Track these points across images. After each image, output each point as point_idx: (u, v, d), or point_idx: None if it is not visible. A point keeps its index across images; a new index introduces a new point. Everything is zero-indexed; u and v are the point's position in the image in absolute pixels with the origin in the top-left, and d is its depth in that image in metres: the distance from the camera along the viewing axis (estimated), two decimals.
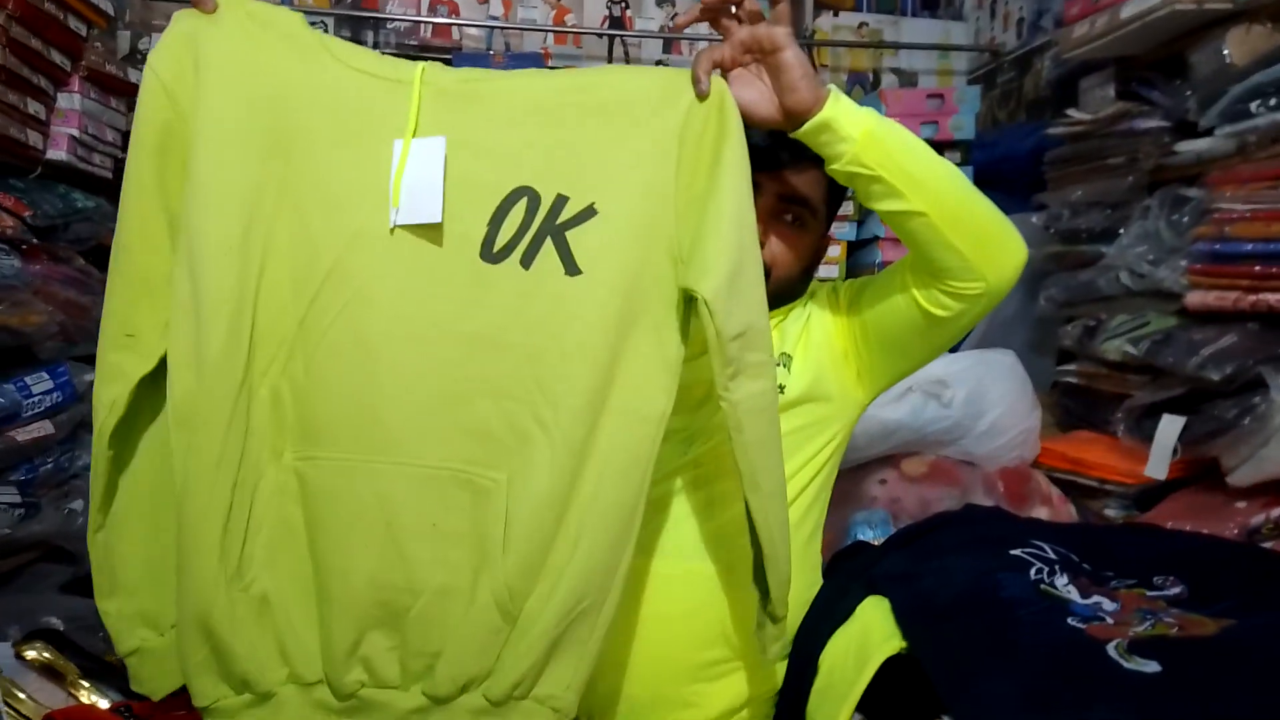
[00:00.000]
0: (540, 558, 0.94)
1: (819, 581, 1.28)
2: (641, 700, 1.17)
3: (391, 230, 0.93)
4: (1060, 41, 2.02)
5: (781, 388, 1.16)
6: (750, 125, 0.98)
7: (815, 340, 1.21)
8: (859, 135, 0.98)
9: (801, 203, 1.17)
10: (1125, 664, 0.91)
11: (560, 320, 0.95)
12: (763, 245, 1.12)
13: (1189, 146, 1.70)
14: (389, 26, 2.72)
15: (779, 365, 1.18)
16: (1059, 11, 2.19)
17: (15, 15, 1.77)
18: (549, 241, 0.95)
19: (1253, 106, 1.54)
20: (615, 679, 1.16)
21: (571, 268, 0.95)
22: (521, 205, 0.95)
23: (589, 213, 0.96)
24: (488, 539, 0.93)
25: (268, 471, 0.94)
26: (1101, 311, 1.89)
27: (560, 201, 0.95)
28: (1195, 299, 1.61)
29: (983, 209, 1.05)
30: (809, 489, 1.21)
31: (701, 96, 0.95)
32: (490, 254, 0.95)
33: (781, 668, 1.21)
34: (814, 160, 1.06)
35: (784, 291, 1.20)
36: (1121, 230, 1.84)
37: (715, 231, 0.95)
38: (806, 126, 0.99)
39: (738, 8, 1.00)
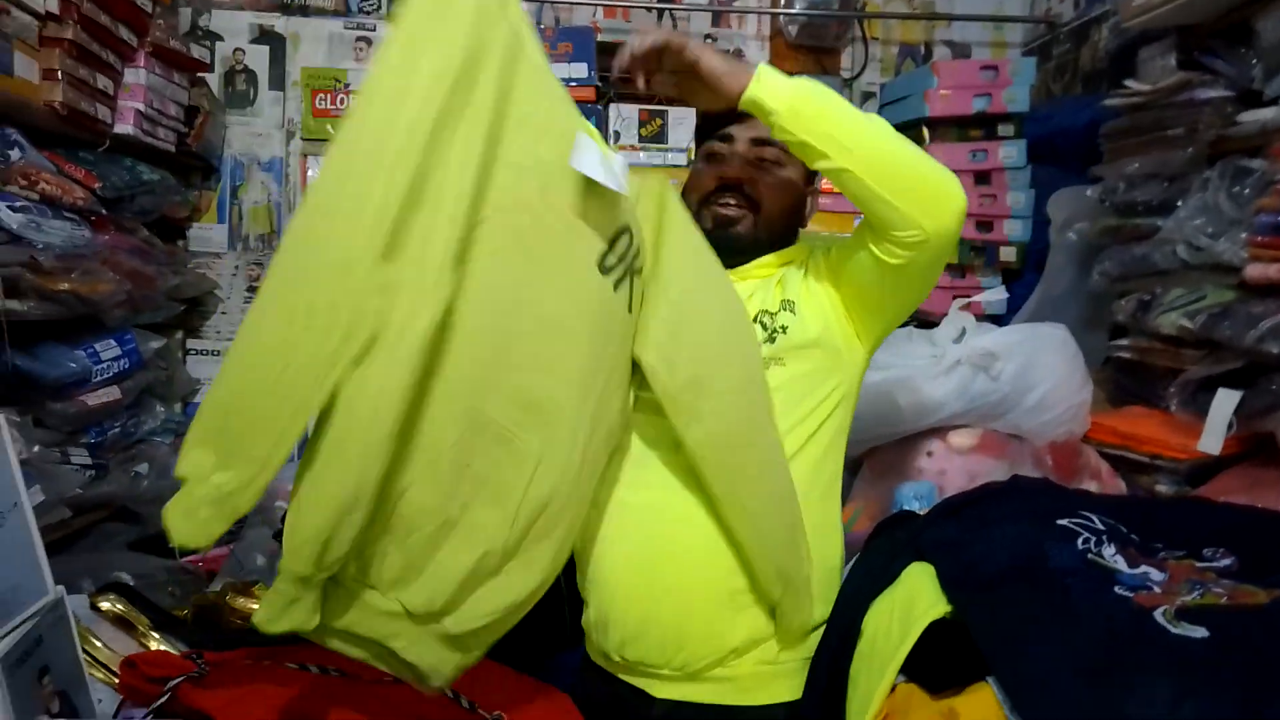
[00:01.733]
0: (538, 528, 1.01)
1: (838, 540, 1.32)
2: (670, 627, 1.21)
3: (551, 204, 0.99)
4: (1120, 10, 1.97)
5: (784, 329, 1.25)
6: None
7: (815, 292, 1.29)
8: (781, 109, 1.12)
9: (771, 142, 1.28)
10: (1173, 629, 0.91)
11: (617, 341, 1.07)
12: (745, 185, 1.29)
13: (1253, 116, 1.66)
14: None
15: (783, 310, 1.27)
16: None
17: None
18: (630, 278, 1.08)
19: None
20: (644, 608, 1.21)
21: (632, 309, 1.09)
22: (625, 239, 1.07)
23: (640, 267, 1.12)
24: (508, 498, 0.98)
25: None
26: (1157, 285, 1.86)
27: (639, 248, 1.10)
28: (1255, 271, 1.58)
29: (912, 162, 1.14)
30: (817, 439, 1.27)
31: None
32: (603, 266, 1.05)
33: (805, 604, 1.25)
34: None
35: (775, 231, 1.32)
36: (1179, 203, 1.80)
37: (651, 299, 1.11)
38: (740, 106, 1.15)
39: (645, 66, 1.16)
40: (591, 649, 1.32)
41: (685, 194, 1.33)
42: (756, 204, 1.29)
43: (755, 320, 1.27)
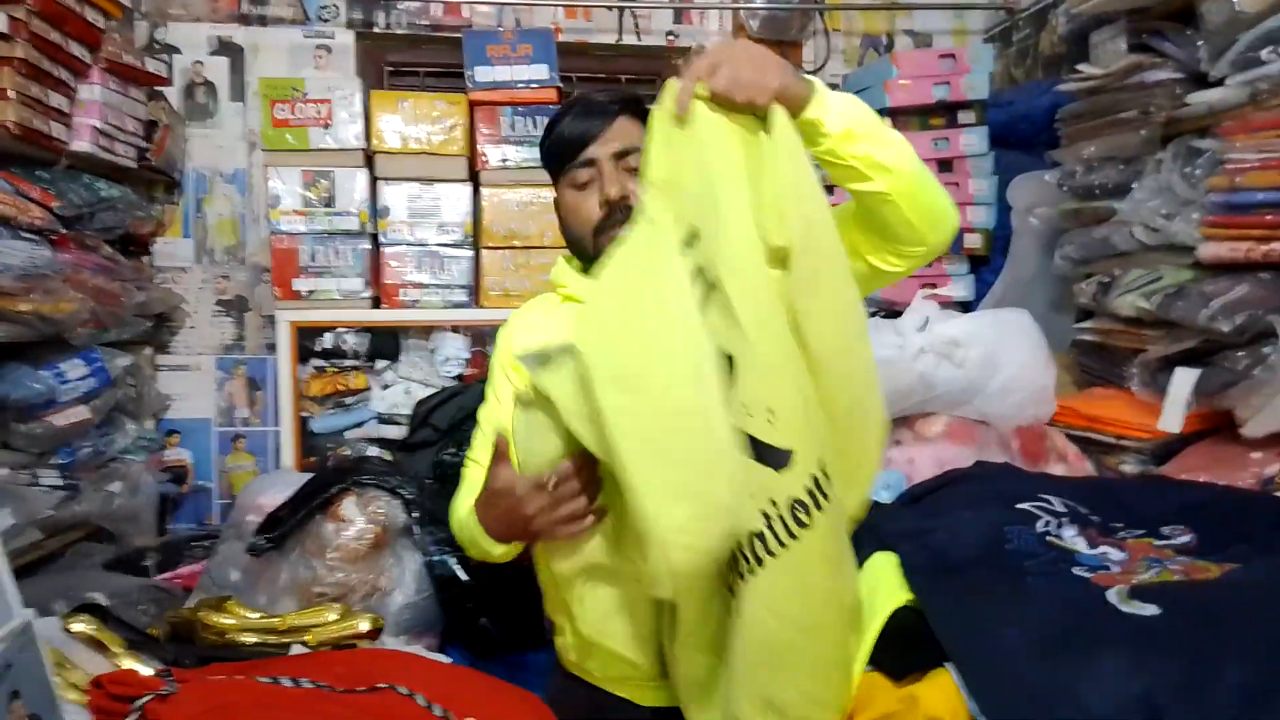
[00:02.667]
0: None
1: None
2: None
3: None
4: None
5: None
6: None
7: None
8: (837, 133, 1.09)
9: (631, 150, 1.26)
10: (1124, 608, 0.93)
11: None
12: (630, 199, 1.23)
13: (1201, 97, 1.68)
14: (400, 8, 2.74)
15: None
16: None
17: (35, 9, 1.82)
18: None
19: (1264, 54, 1.53)
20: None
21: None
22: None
23: None
24: None
25: None
26: (1116, 267, 1.88)
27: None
28: (1208, 251, 1.60)
29: (931, 187, 1.17)
30: None
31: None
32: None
33: None
34: (619, 112, 1.25)
35: None
36: (1135, 185, 1.82)
37: None
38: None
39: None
40: (567, 663, 1.32)
41: (569, 230, 1.31)
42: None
43: None
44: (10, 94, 1.78)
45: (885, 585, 1.09)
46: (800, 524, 0.98)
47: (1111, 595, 0.95)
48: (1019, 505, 1.21)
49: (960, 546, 1.13)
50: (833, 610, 1.02)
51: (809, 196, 1.04)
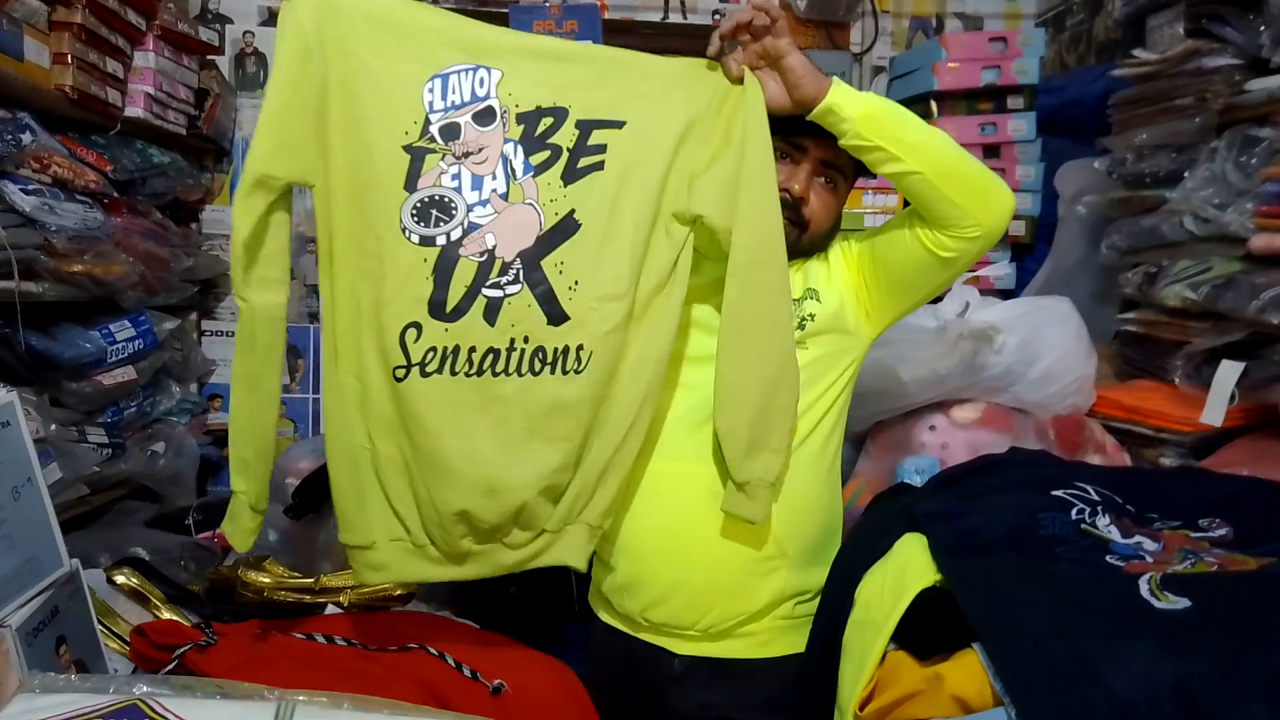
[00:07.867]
0: None
1: (840, 509, 1.38)
2: (699, 592, 1.27)
3: None
4: None
5: (812, 316, 1.32)
6: (771, 114, 1.21)
7: (835, 279, 1.35)
8: (858, 115, 1.19)
9: (837, 168, 1.33)
10: (1157, 603, 0.92)
11: None
12: (803, 205, 1.31)
13: (1261, 84, 1.64)
14: None
15: (808, 298, 1.33)
16: None
17: None
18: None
19: None
20: (675, 573, 1.27)
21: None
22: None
23: None
24: None
25: None
26: (1164, 257, 1.85)
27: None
28: (1261, 242, 1.56)
29: (970, 166, 1.23)
30: (828, 416, 1.33)
31: (734, 79, 1.22)
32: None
33: (820, 572, 1.30)
34: None
35: (816, 244, 1.37)
36: (1187, 174, 1.79)
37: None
38: (814, 112, 1.20)
39: (750, 31, 1.21)
40: (607, 612, 1.37)
41: None
42: (807, 224, 1.32)
43: None
44: (69, 59, 1.81)
45: (914, 566, 1.09)
46: (534, 371, 1.16)
47: (1143, 583, 0.94)
48: (1054, 492, 1.20)
49: (992, 530, 1.12)
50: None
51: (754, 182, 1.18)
